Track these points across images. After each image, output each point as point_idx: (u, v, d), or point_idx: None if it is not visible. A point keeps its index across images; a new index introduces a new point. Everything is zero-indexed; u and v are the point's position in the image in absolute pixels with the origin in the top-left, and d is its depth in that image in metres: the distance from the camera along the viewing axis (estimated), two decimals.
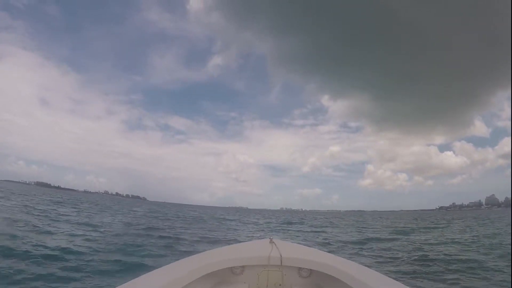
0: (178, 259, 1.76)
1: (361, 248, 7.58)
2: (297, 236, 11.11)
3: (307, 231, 13.11)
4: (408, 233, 12.29)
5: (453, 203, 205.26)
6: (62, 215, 11.72)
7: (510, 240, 7.28)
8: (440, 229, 14.83)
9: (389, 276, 1.52)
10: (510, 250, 5.78)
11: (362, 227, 16.82)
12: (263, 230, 13.70)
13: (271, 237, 2.21)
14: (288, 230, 13.96)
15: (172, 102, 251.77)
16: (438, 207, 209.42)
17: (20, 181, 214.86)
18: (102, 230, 8.42)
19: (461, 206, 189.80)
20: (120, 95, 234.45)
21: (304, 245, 2.46)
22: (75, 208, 17.36)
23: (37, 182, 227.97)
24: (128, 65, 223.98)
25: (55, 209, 13.82)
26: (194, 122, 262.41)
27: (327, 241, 9.35)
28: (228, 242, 7.91)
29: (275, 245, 2.03)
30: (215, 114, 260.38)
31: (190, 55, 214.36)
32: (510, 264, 4.56)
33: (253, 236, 10.30)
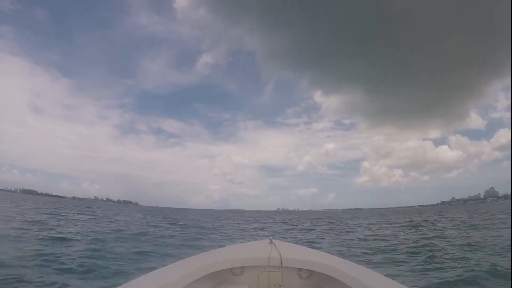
0: (178, 260, 1.81)
1: None
2: None
3: None
4: None
5: (453, 197, 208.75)
6: None
7: (510, 239, 7.32)
8: None
9: (389, 277, 1.57)
10: (510, 249, 5.85)
11: None
12: None
13: (271, 238, 2.26)
14: None
15: (164, 105, 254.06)
16: (440, 202, 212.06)
17: (5, 188, 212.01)
18: None
19: (465, 200, 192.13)
20: (112, 100, 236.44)
21: (304, 246, 2.52)
22: None
23: (22, 189, 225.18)
24: (119, 69, 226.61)
25: None
26: (187, 124, 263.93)
27: None
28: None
29: (275, 245, 2.08)
30: (208, 116, 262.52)
31: (180, 57, 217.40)
32: (510, 264, 4.66)
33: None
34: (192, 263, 1.74)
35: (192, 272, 1.57)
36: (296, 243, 3.78)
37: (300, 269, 1.93)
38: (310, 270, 1.91)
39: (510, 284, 3.79)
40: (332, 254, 2.17)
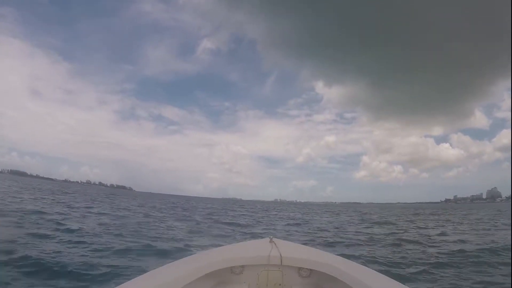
0: (178, 259, 1.87)
1: None
2: None
3: None
4: None
5: (456, 196, 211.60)
6: None
7: (510, 239, 7.49)
8: None
9: (389, 276, 1.63)
10: (510, 250, 6.00)
11: None
12: None
13: (271, 237, 2.33)
14: None
15: (165, 92, 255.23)
16: (444, 200, 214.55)
17: None
18: None
19: (471, 199, 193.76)
20: (112, 85, 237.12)
21: (304, 244, 2.59)
22: None
23: (10, 170, 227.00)
24: (121, 55, 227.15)
25: None
26: (187, 112, 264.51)
27: None
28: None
29: (275, 244, 2.15)
30: (209, 105, 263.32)
31: (182, 45, 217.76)
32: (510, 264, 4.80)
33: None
34: (192, 262, 1.80)
35: (192, 271, 1.62)
36: (294, 241, 3.84)
37: (300, 268, 2.00)
38: (310, 269, 1.98)
39: (510, 284, 3.91)
40: (332, 253, 2.24)
